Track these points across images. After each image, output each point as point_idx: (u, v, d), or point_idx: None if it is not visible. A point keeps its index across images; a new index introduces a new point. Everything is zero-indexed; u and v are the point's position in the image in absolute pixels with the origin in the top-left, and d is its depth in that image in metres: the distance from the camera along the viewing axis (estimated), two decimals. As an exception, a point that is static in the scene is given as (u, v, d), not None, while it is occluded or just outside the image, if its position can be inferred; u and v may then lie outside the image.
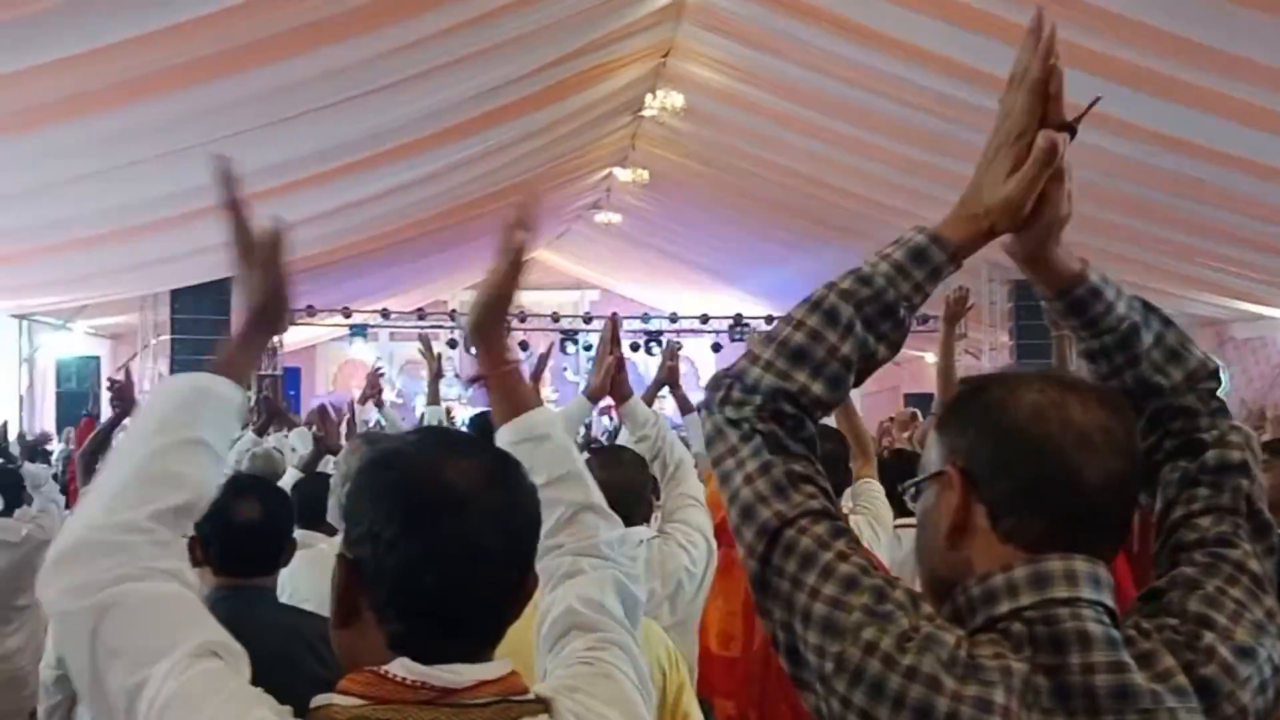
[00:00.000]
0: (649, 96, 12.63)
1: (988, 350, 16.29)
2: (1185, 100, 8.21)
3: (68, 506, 5.39)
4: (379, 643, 1.19)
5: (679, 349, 4.59)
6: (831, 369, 1.25)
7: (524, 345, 20.70)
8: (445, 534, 1.18)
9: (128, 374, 4.45)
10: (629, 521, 2.78)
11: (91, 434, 4.53)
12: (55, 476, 7.02)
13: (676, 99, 12.21)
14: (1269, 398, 13.40)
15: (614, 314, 3.99)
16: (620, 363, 3.25)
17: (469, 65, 9.71)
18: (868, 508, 3.36)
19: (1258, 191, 9.43)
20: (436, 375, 5.50)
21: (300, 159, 10.48)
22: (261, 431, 5.74)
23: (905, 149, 11.34)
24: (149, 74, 7.91)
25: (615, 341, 3.28)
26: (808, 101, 11.25)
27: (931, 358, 21.43)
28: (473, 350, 1.62)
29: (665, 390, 4.48)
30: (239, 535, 2.58)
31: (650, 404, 4.44)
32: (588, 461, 3.05)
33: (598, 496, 1.61)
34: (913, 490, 1.32)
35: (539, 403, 1.59)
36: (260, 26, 7.70)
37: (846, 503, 3.40)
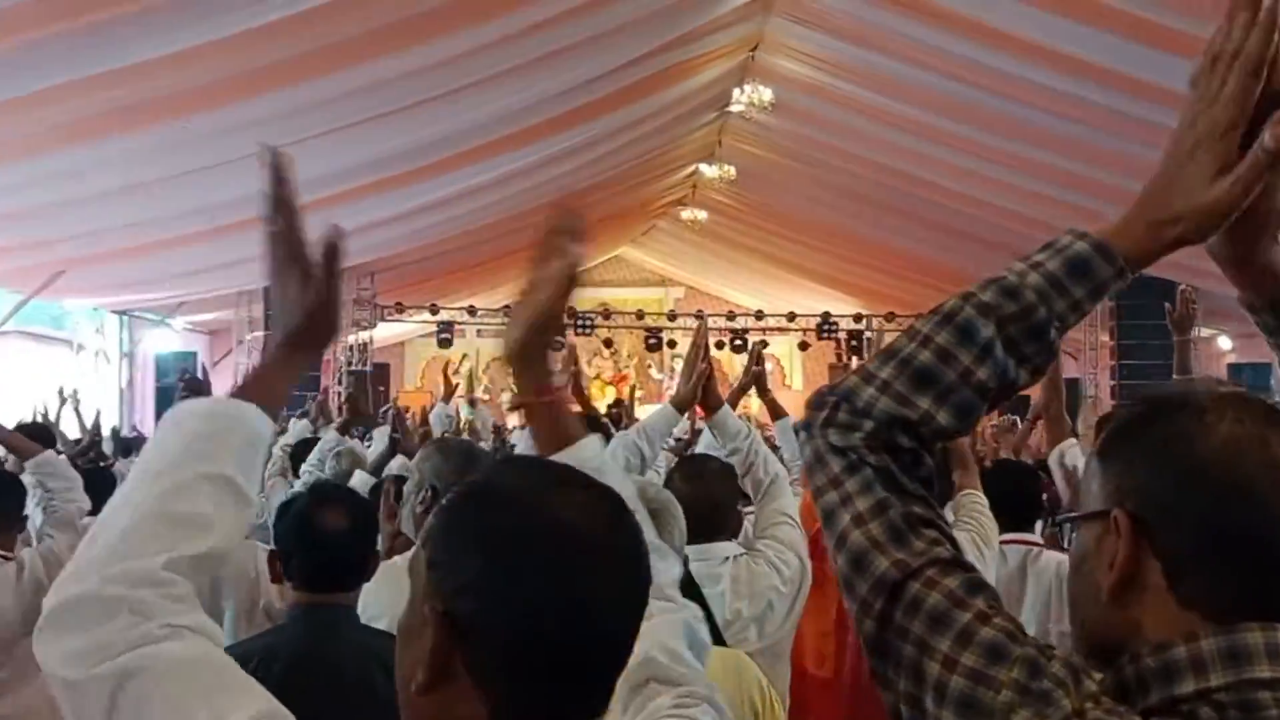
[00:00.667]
0: (736, 91, 12.46)
1: (1087, 351, 15.74)
2: None
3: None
4: (477, 713, 1.00)
5: (764, 349, 4.44)
6: (961, 396, 1.08)
7: (609, 343, 20.74)
8: (573, 582, 1.00)
9: (205, 372, 4.39)
10: (714, 536, 2.64)
11: None
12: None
13: (765, 93, 12.02)
14: None
15: (702, 318, 3.80)
16: (711, 370, 3.10)
17: (554, 62, 9.67)
18: (970, 523, 3.11)
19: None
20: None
21: (389, 157, 10.57)
22: (345, 430, 5.65)
23: (1003, 144, 11.00)
24: (237, 76, 8.02)
25: (706, 348, 3.14)
26: (899, 95, 10.97)
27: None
28: (511, 373, 1.45)
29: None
30: (325, 548, 2.38)
31: (734, 407, 4.31)
32: (671, 472, 2.94)
33: (653, 532, 1.40)
34: (1066, 526, 1.15)
35: (584, 432, 1.42)
36: (349, 25, 7.74)
37: (948, 516, 3.18)
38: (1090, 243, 1.10)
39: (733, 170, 15.31)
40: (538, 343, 1.44)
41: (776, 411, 4.39)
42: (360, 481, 4.49)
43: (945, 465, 3.21)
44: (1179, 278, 13.99)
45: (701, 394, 3.08)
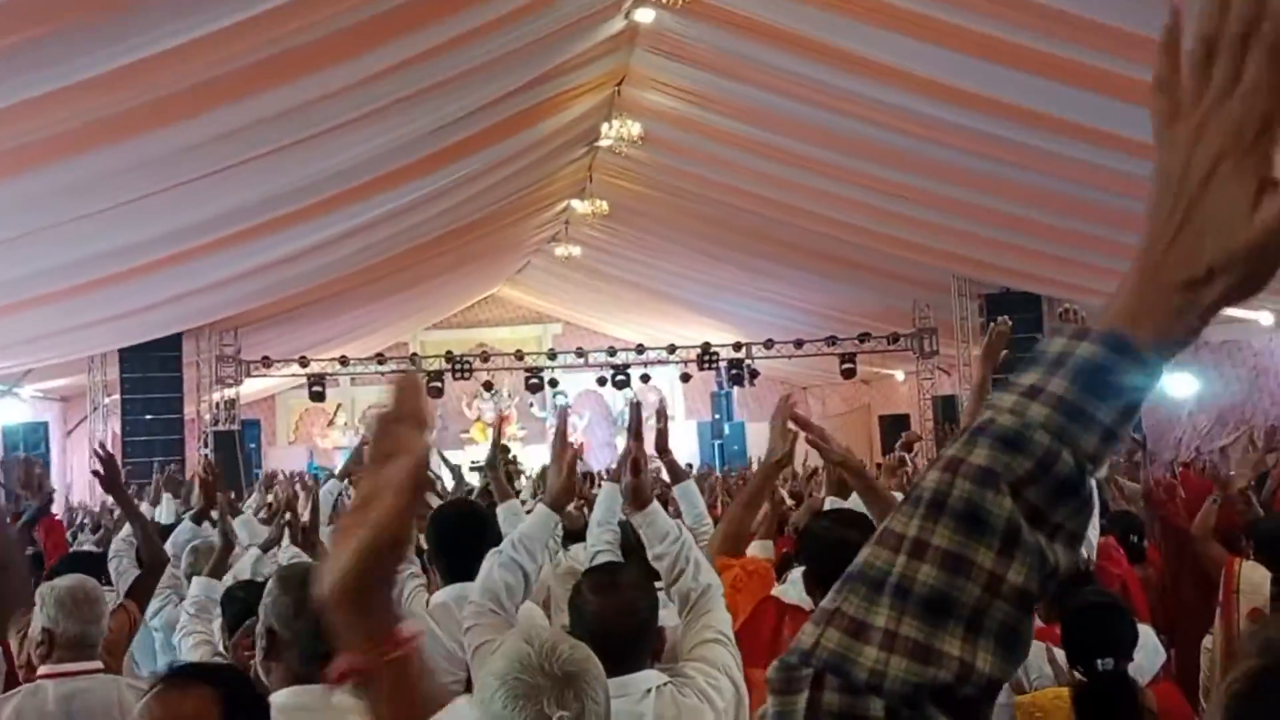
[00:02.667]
0: (605, 126, 12.36)
1: (960, 367, 16.06)
2: (1119, 95, 8.03)
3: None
4: None
5: (661, 407, 3.81)
6: (998, 617, 0.75)
7: (489, 385, 20.36)
8: None
9: (109, 454, 3.86)
10: (632, 661, 2.21)
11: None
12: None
13: (633, 127, 11.95)
14: (1249, 402, 13.29)
15: (636, 402, 3.30)
16: (637, 464, 2.65)
17: (420, 102, 9.39)
18: None
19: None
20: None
21: (248, 207, 10.09)
22: (200, 518, 4.83)
23: (873, 169, 11.14)
24: (79, 129, 7.50)
25: (638, 433, 2.68)
26: (768, 124, 11.02)
27: (901, 375, 21.30)
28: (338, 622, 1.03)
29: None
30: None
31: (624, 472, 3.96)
32: (577, 585, 2.58)
33: None
34: None
35: (447, 697, 1.10)
36: (200, 71, 7.33)
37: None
38: (1099, 341, 0.78)
39: (605, 205, 15.22)
40: (374, 576, 1.02)
41: (677, 474, 3.89)
42: (250, 566, 4.08)
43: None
44: (1044, 290, 14.46)
45: (633, 490, 2.65)
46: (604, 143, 12.97)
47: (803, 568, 2.84)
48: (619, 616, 2.21)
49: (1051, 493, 0.76)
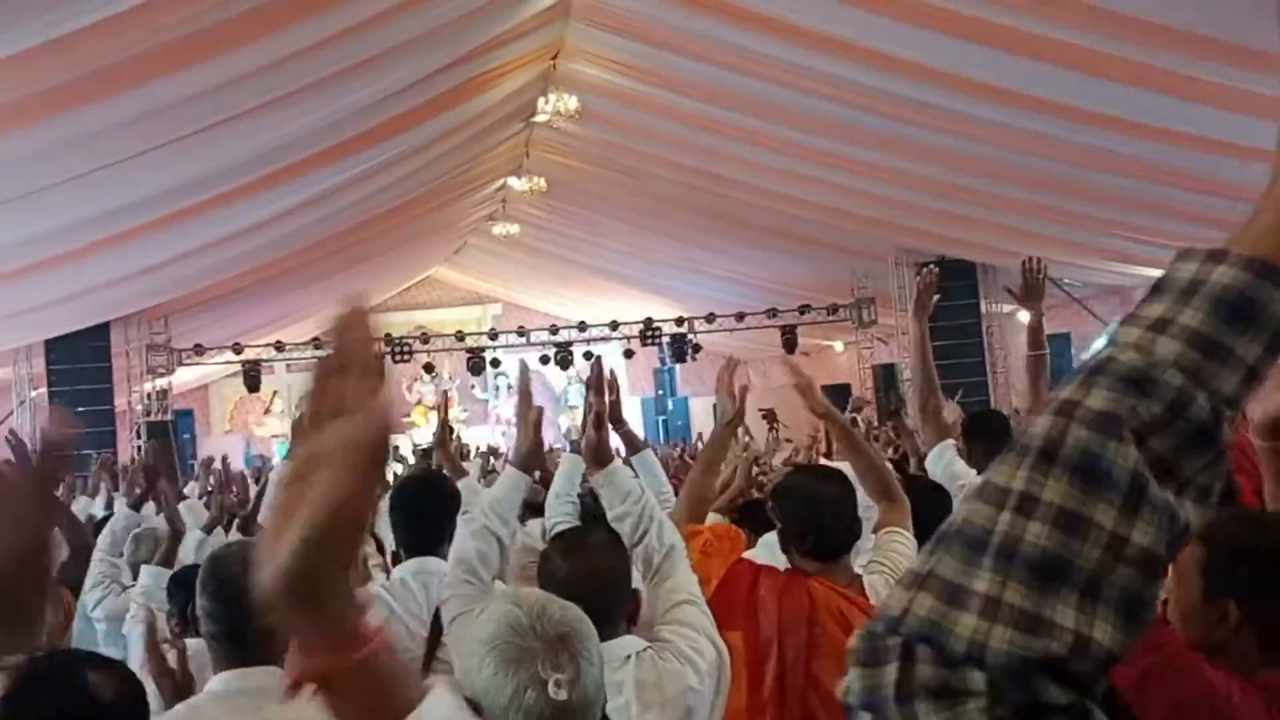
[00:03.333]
0: (540, 101, 12.20)
1: (899, 335, 16.20)
2: (1086, 68, 8.09)
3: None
4: None
5: (613, 379, 3.61)
6: (1119, 583, 0.67)
7: (429, 368, 20.14)
8: None
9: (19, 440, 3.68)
10: (608, 627, 2.07)
11: None
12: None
13: (569, 101, 11.80)
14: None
15: (598, 357, 3.14)
16: (600, 418, 2.48)
17: (349, 79, 9.16)
18: (885, 565, 2.68)
19: (1156, 156, 9.40)
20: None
21: (174, 189, 9.78)
22: (140, 503, 4.72)
23: (810, 139, 11.13)
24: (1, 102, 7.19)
25: (600, 389, 2.51)
26: (705, 96, 10.95)
27: (840, 346, 21.45)
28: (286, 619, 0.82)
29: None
30: None
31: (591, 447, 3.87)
32: (545, 551, 2.47)
33: None
34: None
35: (419, 692, 0.90)
36: (124, 46, 7.05)
37: (859, 560, 2.75)
38: (1241, 265, 0.69)
39: (543, 181, 15.05)
40: (327, 561, 0.80)
41: (634, 444, 3.73)
42: (190, 549, 3.94)
43: (851, 500, 2.74)
44: (978, 258, 14.62)
45: (595, 449, 2.49)
46: (540, 118, 12.79)
47: (775, 529, 2.78)
48: (590, 578, 2.12)
49: (1183, 442, 0.68)
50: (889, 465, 3.17)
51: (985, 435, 4.24)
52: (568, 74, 12.11)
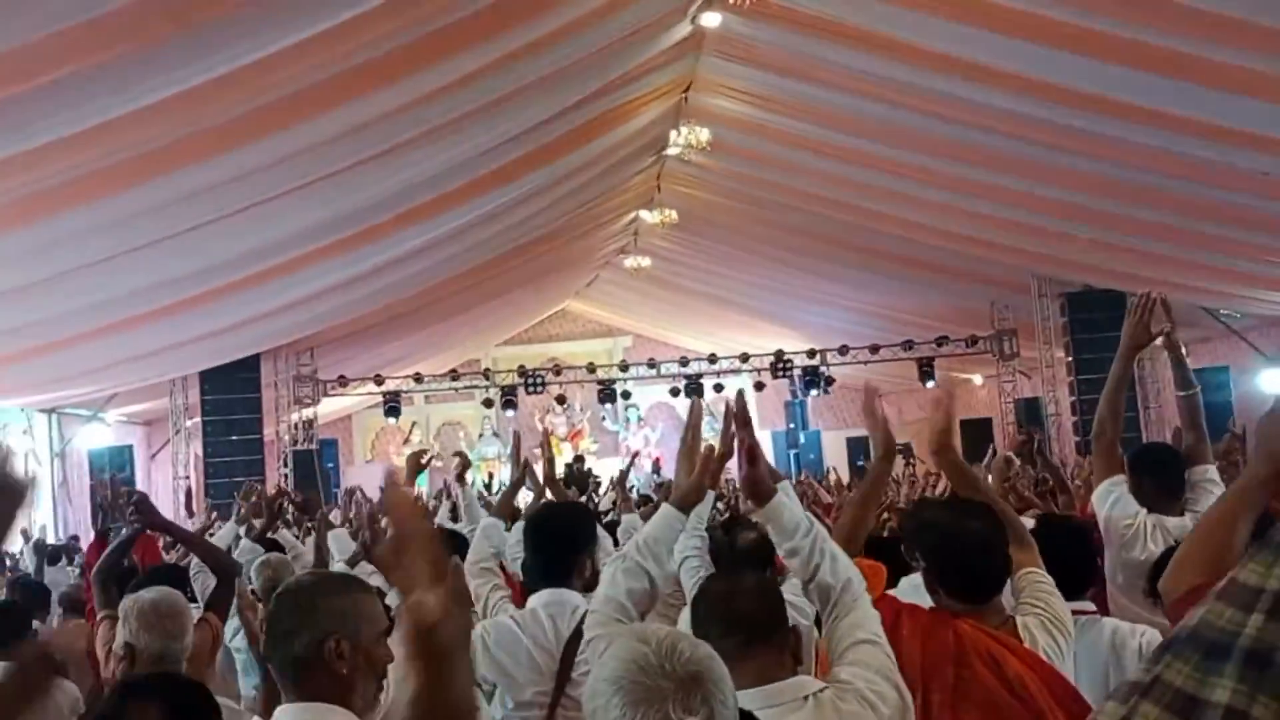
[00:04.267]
0: (673, 134, 12.24)
1: (1043, 369, 15.62)
2: (1240, 88, 7.67)
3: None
4: None
5: (744, 411, 3.43)
6: None
7: (561, 399, 20.36)
8: None
9: (135, 492, 3.84)
10: (788, 669, 2.04)
11: (105, 551, 3.98)
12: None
13: (702, 133, 11.81)
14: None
15: (740, 391, 2.99)
16: (754, 453, 2.35)
17: (485, 116, 9.37)
18: (1037, 605, 2.55)
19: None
20: (516, 485, 4.36)
21: (319, 226, 10.15)
22: (261, 537, 4.74)
23: (946, 166, 10.88)
24: (157, 150, 7.58)
25: (744, 421, 2.38)
26: (838, 125, 10.83)
27: (979, 379, 20.83)
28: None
29: None
30: None
31: (717, 481, 3.75)
32: (704, 584, 2.31)
33: None
34: None
35: None
36: (266, 92, 7.38)
37: (1007, 598, 2.60)
38: None
39: (674, 214, 15.09)
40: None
41: (771, 474, 3.66)
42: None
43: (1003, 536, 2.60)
44: (1126, 287, 14.05)
45: (752, 483, 2.36)
46: (672, 150, 12.84)
47: (918, 571, 2.63)
48: (747, 595, 2.06)
49: None
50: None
51: (1155, 470, 3.83)
52: (699, 106, 12.14)
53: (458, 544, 4.66)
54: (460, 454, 5.13)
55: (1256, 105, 7.78)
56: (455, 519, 6.03)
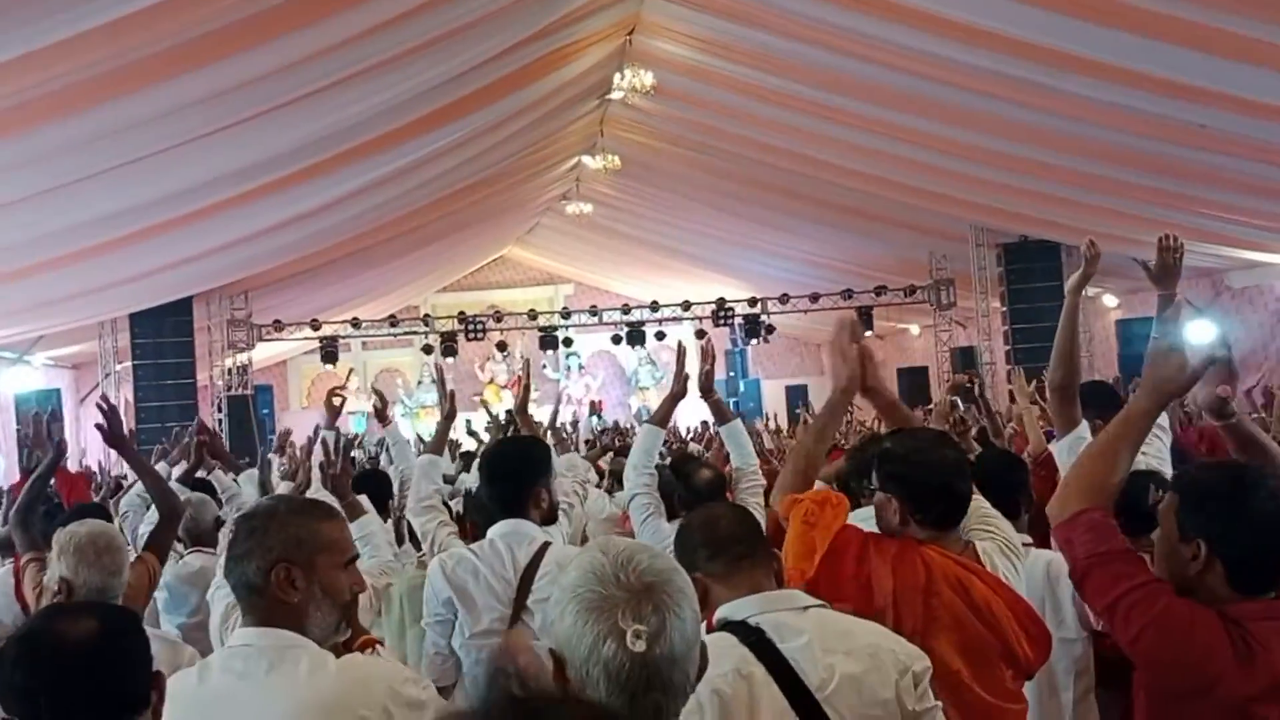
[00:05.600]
0: (616, 77, 12.10)
1: (979, 318, 15.85)
2: (1176, 39, 7.74)
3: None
4: None
5: (711, 349, 4.06)
6: None
7: (503, 346, 20.24)
8: None
9: (112, 407, 3.67)
10: (778, 585, 2.22)
11: (25, 486, 3.85)
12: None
13: (645, 77, 11.68)
14: (1270, 347, 13.08)
15: (703, 331, 3.36)
16: (709, 377, 2.86)
17: (423, 56, 9.17)
18: (988, 531, 2.61)
19: (1255, 132, 8.99)
20: (449, 416, 4.23)
21: (253, 165, 9.90)
22: (188, 478, 4.65)
23: (888, 114, 10.87)
24: (88, 80, 7.28)
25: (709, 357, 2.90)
26: (781, 71, 10.76)
27: (917, 329, 21.07)
28: None
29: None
30: None
31: (669, 417, 3.89)
32: (681, 529, 2.37)
33: None
34: None
35: None
36: (205, 21, 7.10)
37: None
38: None
39: (617, 160, 14.96)
40: None
41: (724, 414, 3.93)
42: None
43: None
44: (1062, 238, 14.23)
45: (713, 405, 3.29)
46: (615, 95, 12.70)
47: (868, 505, 2.65)
48: (728, 520, 2.22)
49: None
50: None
51: (1096, 403, 3.79)
52: (643, 50, 12.00)
53: (385, 485, 4.65)
54: (377, 391, 5.00)
55: (1193, 57, 7.85)
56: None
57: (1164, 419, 3.56)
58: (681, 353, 3.89)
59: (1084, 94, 9.06)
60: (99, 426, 3.57)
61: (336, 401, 4.39)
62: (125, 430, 3.77)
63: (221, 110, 8.55)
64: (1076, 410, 3.44)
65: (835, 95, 10.82)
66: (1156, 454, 3.37)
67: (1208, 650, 1.93)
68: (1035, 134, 10.34)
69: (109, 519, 3.99)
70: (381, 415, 4.92)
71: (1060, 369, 3.42)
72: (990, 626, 2.30)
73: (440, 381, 4.56)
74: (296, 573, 1.98)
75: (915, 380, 17.26)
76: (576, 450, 6.59)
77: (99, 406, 3.60)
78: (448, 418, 4.17)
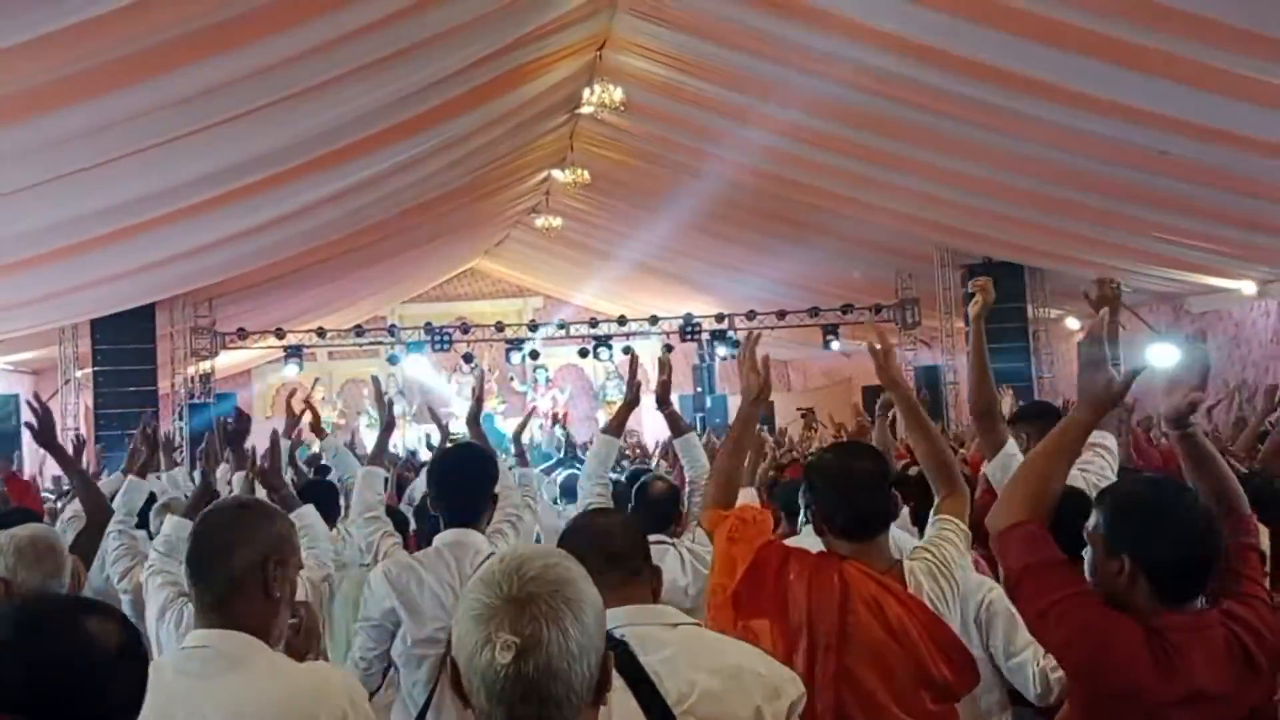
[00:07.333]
0: (586, 92, 12.12)
1: (944, 338, 15.98)
2: (1139, 67, 7.87)
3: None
4: None
5: (668, 362, 4.27)
6: None
7: (469, 358, 20.16)
8: None
9: (44, 406, 3.63)
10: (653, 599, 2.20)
11: None
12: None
13: (615, 92, 11.71)
14: (1227, 372, 13.26)
15: (666, 346, 3.47)
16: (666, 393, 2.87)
17: (393, 66, 9.15)
18: (927, 551, 2.60)
19: (1216, 159, 9.15)
20: (388, 428, 4.19)
21: (219, 172, 9.82)
22: (142, 473, 4.70)
23: (857, 136, 10.97)
24: (50, 82, 7.20)
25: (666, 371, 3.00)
26: (752, 89, 10.84)
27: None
28: None
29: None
30: None
31: (623, 427, 3.99)
32: (568, 530, 2.45)
33: None
34: None
35: None
36: (171, 26, 7.06)
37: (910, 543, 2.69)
38: None
39: (586, 174, 14.97)
40: None
41: (679, 427, 4.06)
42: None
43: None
44: (1023, 260, 14.38)
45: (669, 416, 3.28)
46: (585, 109, 12.72)
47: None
48: (615, 533, 2.21)
49: None
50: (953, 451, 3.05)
51: (1040, 420, 3.90)
52: (614, 65, 12.05)
53: (329, 494, 4.63)
54: (307, 401, 5.00)
55: (1156, 84, 7.98)
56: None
57: (1110, 441, 3.61)
58: (634, 361, 4.06)
59: (1048, 118, 9.18)
60: (28, 425, 3.55)
61: (297, 408, 4.39)
62: (56, 430, 3.76)
63: (187, 116, 8.49)
64: (1003, 430, 3.46)
65: (801, 114, 10.89)
66: (1099, 472, 3.40)
67: (1129, 659, 2.02)
68: (999, 157, 10.46)
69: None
70: (315, 428, 4.94)
71: (981, 394, 3.42)
72: (905, 647, 2.31)
73: (377, 394, 4.66)
74: (280, 569, 2.06)
75: (879, 397, 17.32)
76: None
77: (29, 404, 3.57)
78: (387, 429, 4.17)
